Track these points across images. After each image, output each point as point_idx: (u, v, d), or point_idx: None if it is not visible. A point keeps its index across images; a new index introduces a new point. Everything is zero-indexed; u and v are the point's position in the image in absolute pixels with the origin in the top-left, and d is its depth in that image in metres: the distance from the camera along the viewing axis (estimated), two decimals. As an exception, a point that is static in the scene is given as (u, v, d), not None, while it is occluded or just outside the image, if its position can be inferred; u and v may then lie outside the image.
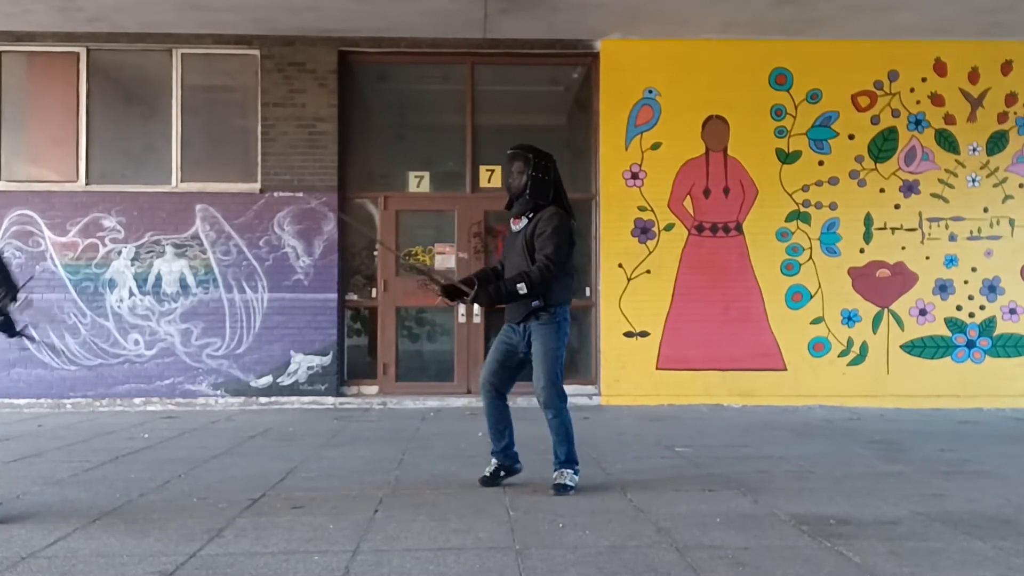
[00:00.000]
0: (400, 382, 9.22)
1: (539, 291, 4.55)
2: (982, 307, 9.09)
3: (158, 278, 8.96)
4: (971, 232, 9.12)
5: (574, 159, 9.87)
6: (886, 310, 9.07)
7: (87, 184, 9.00)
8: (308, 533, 3.81)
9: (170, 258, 8.96)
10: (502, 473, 4.85)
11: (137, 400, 8.80)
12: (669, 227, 9.04)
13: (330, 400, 8.90)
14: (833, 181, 9.09)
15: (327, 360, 8.95)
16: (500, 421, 4.85)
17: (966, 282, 9.09)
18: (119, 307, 8.91)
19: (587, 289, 9.38)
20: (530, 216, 4.69)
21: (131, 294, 8.93)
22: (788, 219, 9.07)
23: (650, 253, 9.02)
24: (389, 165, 9.73)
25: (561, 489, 4.61)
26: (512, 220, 4.81)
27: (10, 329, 4.03)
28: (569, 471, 4.69)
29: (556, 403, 4.69)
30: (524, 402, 8.91)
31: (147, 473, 5.22)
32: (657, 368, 8.97)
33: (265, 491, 4.70)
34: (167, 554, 3.48)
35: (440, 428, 7.36)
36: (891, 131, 9.13)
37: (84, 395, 8.80)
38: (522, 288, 4.50)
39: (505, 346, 4.81)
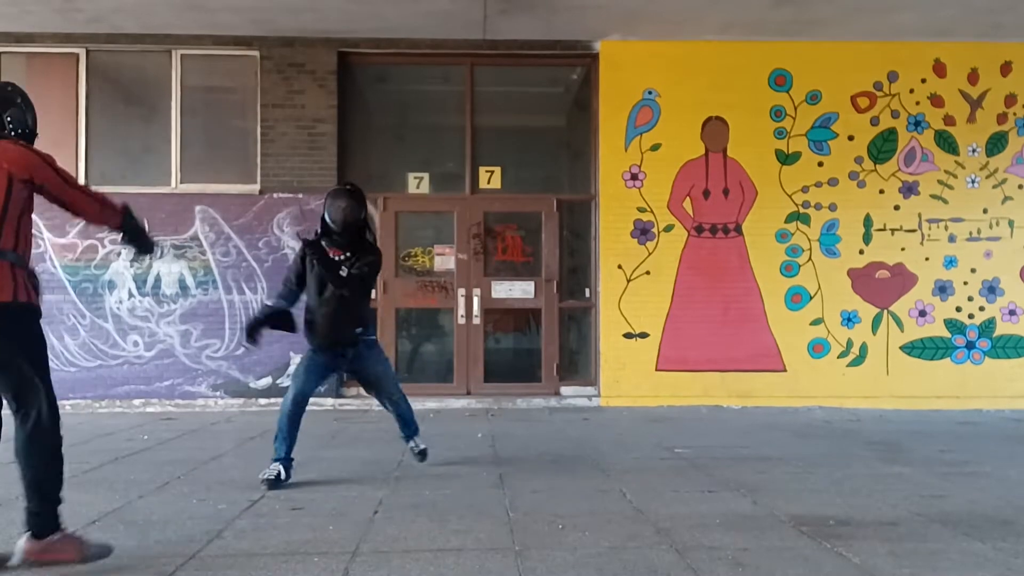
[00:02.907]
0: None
1: (349, 284, 5.07)
2: (982, 308, 9.09)
3: (157, 279, 8.95)
4: (971, 233, 9.13)
5: (573, 160, 9.87)
6: (886, 311, 9.07)
7: (86, 185, 8.98)
8: (308, 534, 3.81)
9: (169, 259, 8.96)
10: (283, 477, 4.93)
11: (136, 401, 8.79)
12: (669, 228, 9.04)
13: (329, 401, 8.89)
14: (833, 182, 9.09)
15: (327, 361, 8.93)
16: (297, 429, 5.08)
17: (966, 283, 9.09)
18: (118, 308, 8.91)
19: (587, 290, 9.38)
20: (352, 251, 5.10)
21: (130, 295, 8.93)
22: (788, 220, 9.08)
23: (650, 254, 9.02)
24: (388, 166, 9.73)
25: (424, 455, 5.53)
26: (329, 249, 5.10)
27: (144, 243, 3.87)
28: (420, 438, 5.61)
29: (405, 397, 5.56)
30: (524, 404, 8.94)
31: (147, 474, 5.22)
32: (657, 369, 8.97)
33: (265, 492, 4.70)
34: (167, 554, 3.48)
35: (440, 429, 7.36)
36: (891, 132, 9.14)
37: (83, 396, 8.79)
38: (344, 270, 5.04)
39: (327, 366, 5.24)
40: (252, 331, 4.98)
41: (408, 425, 5.60)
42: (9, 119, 3.46)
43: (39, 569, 3.26)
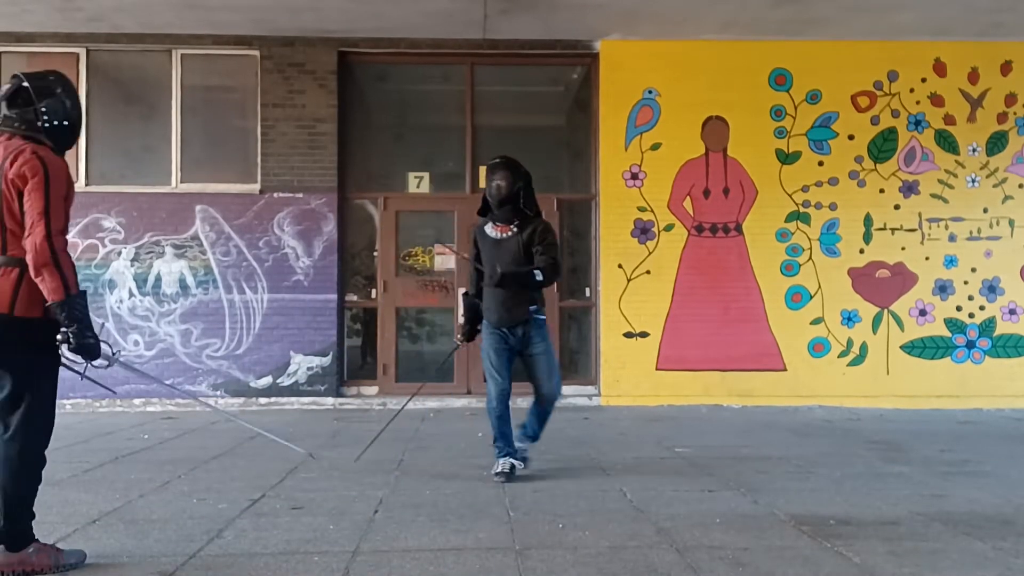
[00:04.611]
0: (400, 383, 9.21)
1: (549, 282, 5.01)
2: (982, 307, 9.09)
3: (158, 279, 8.95)
4: (971, 232, 9.12)
5: (574, 159, 9.88)
6: (886, 310, 9.07)
7: (87, 185, 8.99)
8: (308, 533, 3.81)
9: (170, 259, 8.96)
10: (520, 466, 5.10)
11: (137, 401, 8.79)
12: (669, 227, 9.03)
13: (330, 401, 8.90)
14: (833, 181, 9.08)
15: (327, 361, 8.95)
16: (509, 424, 5.07)
17: (966, 282, 9.09)
18: (119, 308, 8.91)
19: (587, 289, 9.38)
20: (517, 225, 5.02)
21: (131, 295, 8.93)
22: (788, 219, 9.07)
23: (650, 253, 9.02)
24: (389, 166, 9.74)
25: (524, 462, 5.14)
26: (494, 227, 5.09)
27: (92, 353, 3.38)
28: (533, 442, 5.30)
29: (560, 392, 5.24)
30: (524, 403, 8.92)
31: (147, 474, 5.22)
32: (657, 368, 8.97)
33: (265, 491, 4.70)
34: (167, 554, 3.48)
35: (440, 429, 7.36)
36: (891, 131, 9.13)
37: (84, 396, 8.78)
38: (539, 275, 4.90)
39: (507, 353, 5.09)
40: (470, 336, 5.27)
41: (541, 426, 5.25)
42: (44, 110, 3.28)
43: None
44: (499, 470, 4.98)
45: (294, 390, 8.92)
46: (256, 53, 9.08)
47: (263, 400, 8.86)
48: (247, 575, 3.24)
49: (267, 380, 8.92)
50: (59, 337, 3.23)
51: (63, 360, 3.40)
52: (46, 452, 3.31)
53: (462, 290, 5.51)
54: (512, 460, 5.04)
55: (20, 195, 3.16)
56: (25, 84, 3.30)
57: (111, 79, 9.33)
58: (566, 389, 9.14)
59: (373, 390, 9.23)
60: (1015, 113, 9.16)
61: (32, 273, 3.16)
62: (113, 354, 3.55)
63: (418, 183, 9.50)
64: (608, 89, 9.09)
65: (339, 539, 3.71)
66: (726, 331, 8.97)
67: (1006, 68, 9.16)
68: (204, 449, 6.19)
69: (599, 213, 9.11)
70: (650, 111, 9.06)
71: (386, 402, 8.89)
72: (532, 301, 5.00)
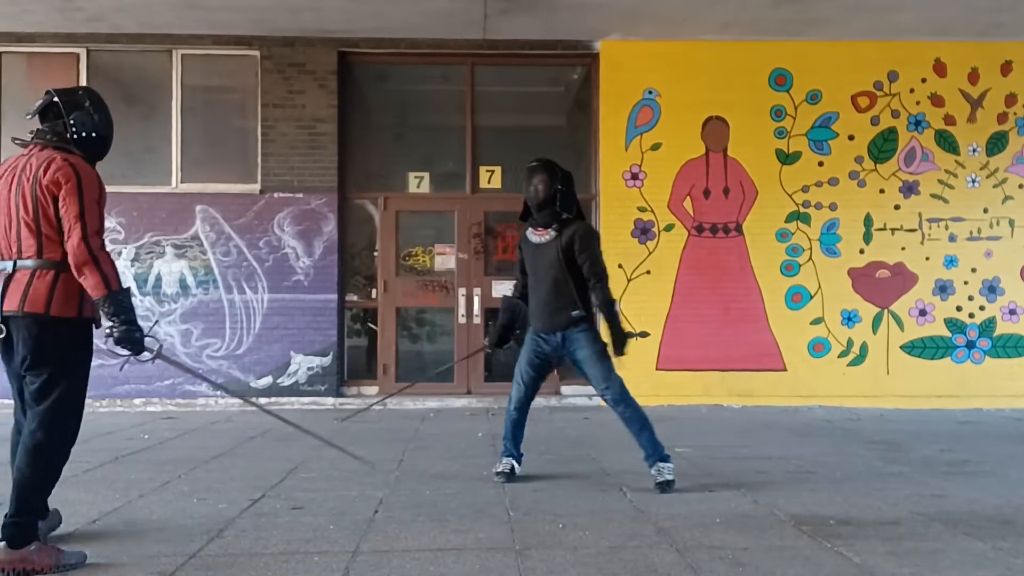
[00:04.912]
0: (400, 383, 9.20)
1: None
2: (982, 308, 9.09)
3: (158, 279, 8.96)
4: (971, 233, 9.12)
5: (574, 159, 9.84)
6: (886, 311, 9.07)
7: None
8: (308, 533, 3.81)
9: (170, 259, 8.96)
10: (515, 470, 5.05)
11: (137, 401, 8.79)
12: (669, 228, 9.04)
13: (330, 401, 8.90)
14: (833, 182, 9.09)
15: (327, 361, 8.95)
16: (521, 430, 5.09)
17: (966, 283, 9.09)
18: (119, 308, 8.89)
19: (587, 290, 9.37)
20: (556, 228, 4.86)
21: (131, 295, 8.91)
22: (788, 220, 9.07)
23: (650, 254, 9.02)
24: (389, 166, 9.73)
25: (666, 487, 4.68)
26: (533, 231, 4.97)
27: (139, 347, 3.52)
28: (666, 465, 4.78)
29: (623, 394, 4.92)
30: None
31: (147, 474, 5.22)
32: (657, 369, 8.97)
33: (265, 491, 4.70)
34: (167, 554, 3.48)
35: (440, 429, 7.36)
36: (891, 132, 9.13)
37: (84, 396, 8.79)
38: (615, 305, 4.90)
39: (539, 360, 4.99)
40: (499, 341, 5.18)
41: (640, 435, 4.88)
42: (73, 122, 3.48)
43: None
44: (499, 470, 4.99)
45: (294, 390, 8.92)
46: (256, 53, 9.08)
47: (263, 400, 8.81)
48: (247, 575, 3.24)
49: (267, 380, 8.93)
50: (105, 331, 3.42)
51: (110, 351, 3.54)
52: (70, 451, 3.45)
53: (508, 293, 5.37)
54: (513, 461, 5.04)
55: (55, 201, 3.35)
56: (55, 99, 3.52)
57: (111, 79, 9.32)
58: (566, 389, 9.22)
59: (373, 390, 9.23)
60: (1015, 113, 9.16)
61: (75, 273, 3.34)
62: (158, 348, 3.69)
63: (418, 183, 9.50)
64: (608, 89, 9.10)
65: (339, 539, 3.71)
66: (726, 331, 8.97)
67: (1006, 68, 9.16)
68: (204, 449, 6.19)
69: (599, 213, 9.12)
70: (650, 111, 9.07)
71: (386, 402, 8.88)
72: (575, 306, 4.81)
